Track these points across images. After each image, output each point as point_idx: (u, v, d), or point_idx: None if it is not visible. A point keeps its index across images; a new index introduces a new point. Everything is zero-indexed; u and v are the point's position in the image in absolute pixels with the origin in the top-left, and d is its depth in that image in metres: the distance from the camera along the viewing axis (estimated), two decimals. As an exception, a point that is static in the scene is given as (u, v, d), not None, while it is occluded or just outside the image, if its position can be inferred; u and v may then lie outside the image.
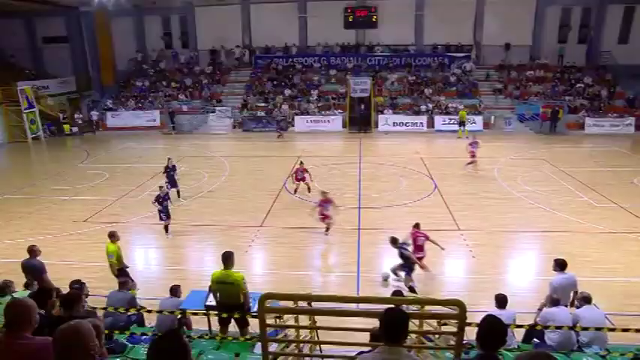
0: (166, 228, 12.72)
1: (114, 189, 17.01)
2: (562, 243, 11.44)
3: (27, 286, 7.54)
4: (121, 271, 9.24)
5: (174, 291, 7.58)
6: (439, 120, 26.73)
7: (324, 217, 12.02)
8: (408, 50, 31.55)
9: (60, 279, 9.20)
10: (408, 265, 9.24)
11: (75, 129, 30.10)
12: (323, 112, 28.34)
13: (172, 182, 15.29)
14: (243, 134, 27.57)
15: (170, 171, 15.39)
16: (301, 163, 15.56)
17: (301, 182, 15.19)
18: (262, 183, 17.02)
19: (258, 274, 10.45)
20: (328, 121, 27.85)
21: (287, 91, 29.84)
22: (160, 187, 13.14)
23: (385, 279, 9.53)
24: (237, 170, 19.17)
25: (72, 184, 17.63)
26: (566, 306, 6.57)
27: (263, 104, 29.17)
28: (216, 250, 11.53)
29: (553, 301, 6.28)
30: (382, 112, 27.70)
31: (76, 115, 30.95)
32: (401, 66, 30.94)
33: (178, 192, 15.50)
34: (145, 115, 29.67)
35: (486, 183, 16.68)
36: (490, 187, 16.14)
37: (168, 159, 15.80)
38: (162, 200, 12.60)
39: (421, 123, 27.10)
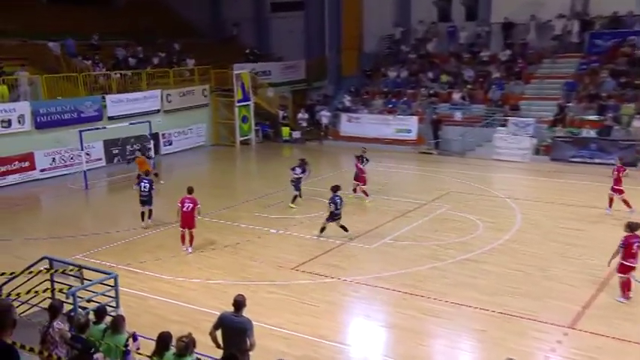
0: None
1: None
2: None
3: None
4: None
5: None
6: None
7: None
8: None
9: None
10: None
11: (296, 134, 34.43)
12: None
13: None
14: (552, 165, 26.81)
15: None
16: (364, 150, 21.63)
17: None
18: (579, 253, 16.10)
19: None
20: None
21: (645, 96, 27.88)
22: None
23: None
24: (534, 224, 18.75)
25: (284, 213, 19.93)
26: None
27: (594, 117, 28.03)
28: (485, 351, 11.37)
29: None
30: None
31: (299, 115, 35.50)
32: None
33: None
34: (395, 123, 31.93)
35: None
36: None
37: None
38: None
39: None
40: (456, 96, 31.98)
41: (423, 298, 13.49)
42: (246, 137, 33.86)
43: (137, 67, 32.03)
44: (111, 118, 28.05)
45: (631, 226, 13.03)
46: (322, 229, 17.41)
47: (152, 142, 27.46)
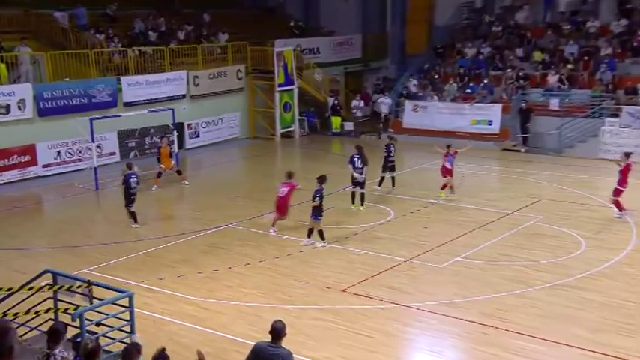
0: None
1: (403, 240, 18.54)
2: None
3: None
4: None
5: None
6: None
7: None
8: None
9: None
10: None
11: (349, 125, 34.62)
12: None
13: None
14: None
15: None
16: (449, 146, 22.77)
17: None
18: None
19: None
20: None
21: None
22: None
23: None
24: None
25: (334, 222, 19.97)
26: None
27: None
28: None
29: None
30: None
31: (353, 102, 35.65)
32: None
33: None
34: (472, 113, 31.81)
35: None
36: None
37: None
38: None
39: None
40: (553, 78, 31.58)
41: (506, 332, 13.28)
42: (288, 129, 34.16)
43: (159, 42, 32.42)
44: (127, 105, 28.54)
45: None
46: (312, 233, 18.36)
47: (176, 133, 27.40)
